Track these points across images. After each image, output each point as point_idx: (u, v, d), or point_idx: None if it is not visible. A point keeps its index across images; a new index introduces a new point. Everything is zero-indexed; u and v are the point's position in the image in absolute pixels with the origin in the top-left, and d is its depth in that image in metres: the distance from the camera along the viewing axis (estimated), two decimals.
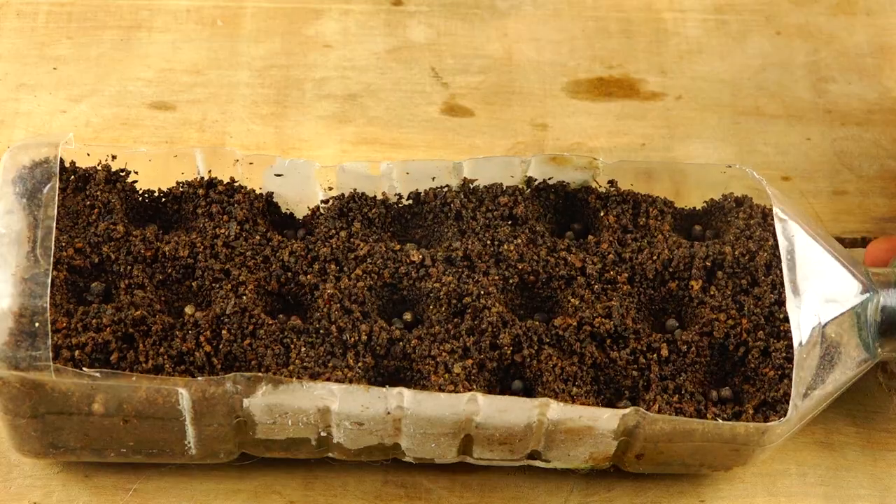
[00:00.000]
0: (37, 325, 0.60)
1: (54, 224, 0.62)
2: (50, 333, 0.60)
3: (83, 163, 0.66)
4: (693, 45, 0.83)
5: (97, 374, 0.60)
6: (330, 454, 0.64)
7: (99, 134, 0.77)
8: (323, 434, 0.63)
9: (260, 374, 0.61)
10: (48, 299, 0.60)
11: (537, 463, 0.65)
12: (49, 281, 0.61)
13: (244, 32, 0.82)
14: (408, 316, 0.64)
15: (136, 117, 0.78)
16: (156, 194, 0.67)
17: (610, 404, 0.63)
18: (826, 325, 0.63)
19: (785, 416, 0.62)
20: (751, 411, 0.62)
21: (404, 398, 0.61)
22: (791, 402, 0.62)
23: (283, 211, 0.67)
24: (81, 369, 0.60)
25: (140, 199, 0.66)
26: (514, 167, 0.67)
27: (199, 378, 0.60)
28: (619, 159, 0.68)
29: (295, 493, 0.66)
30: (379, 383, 0.63)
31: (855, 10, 0.85)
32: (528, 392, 0.63)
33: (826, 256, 0.65)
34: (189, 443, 0.63)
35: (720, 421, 0.62)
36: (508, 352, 0.63)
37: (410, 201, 0.67)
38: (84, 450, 0.63)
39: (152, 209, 0.67)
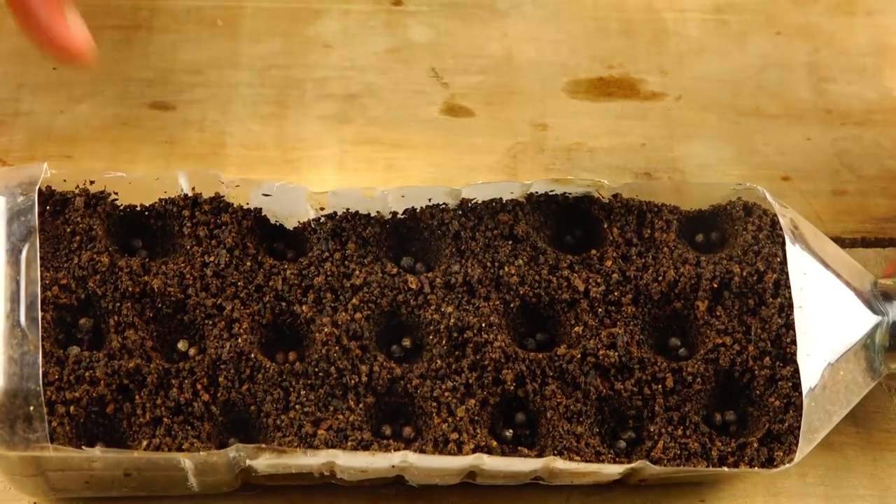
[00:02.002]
0: (32, 408, 0.58)
1: (38, 288, 0.59)
2: (45, 416, 0.58)
3: (59, 187, 0.64)
4: (693, 45, 0.83)
5: (97, 453, 0.59)
6: (332, 481, 0.64)
7: (99, 134, 0.77)
8: (326, 474, 0.63)
9: (263, 445, 0.60)
10: (41, 381, 0.58)
11: (541, 482, 0.65)
12: (40, 360, 0.58)
13: (244, 32, 0.82)
14: (407, 342, 0.63)
15: (136, 117, 0.78)
16: (138, 208, 0.65)
17: (613, 434, 0.63)
18: (835, 363, 0.63)
19: (790, 453, 0.62)
20: (755, 444, 0.62)
21: (408, 457, 0.60)
22: (798, 450, 0.62)
23: (273, 222, 0.65)
24: (81, 447, 0.59)
25: (121, 213, 0.64)
26: (514, 191, 0.66)
27: (202, 452, 0.59)
28: (624, 181, 0.67)
29: (296, 493, 0.65)
30: (381, 419, 0.62)
31: (855, 10, 0.85)
32: (531, 423, 0.63)
33: (837, 288, 0.64)
34: (191, 484, 0.62)
35: (725, 469, 0.62)
36: (512, 388, 0.62)
37: (406, 216, 0.65)
38: (86, 491, 0.63)
39: (135, 223, 0.65)
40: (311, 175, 0.76)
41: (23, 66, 0.80)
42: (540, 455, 0.61)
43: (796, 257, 0.64)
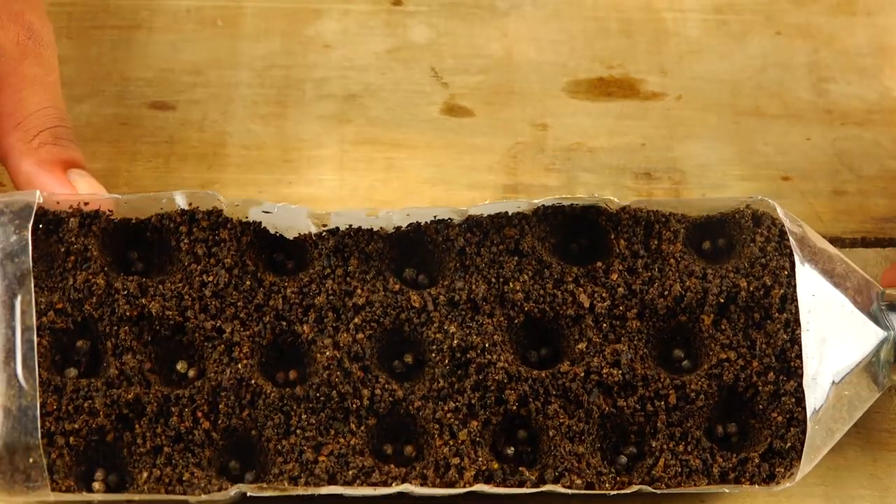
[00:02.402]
0: (31, 460, 0.58)
1: (35, 336, 0.59)
2: (46, 467, 0.58)
3: (53, 207, 0.63)
4: (693, 45, 0.83)
5: (97, 498, 0.59)
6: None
7: (99, 134, 0.77)
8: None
9: (265, 485, 0.59)
10: (40, 434, 0.58)
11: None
12: (38, 412, 0.58)
13: (244, 32, 0.82)
14: (409, 358, 0.63)
15: (136, 117, 0.78)
16: (133, 221, 0.64)
17: (615, 449, 0.63)
18: (839, 382, 0.63)
19: (791, 468, 0.62)
20: (756, 460, 0.62)
21: (409, 489, 0.60)
22: (800, 469, 0.62)
23: (273, 233, 0.64)
24: (82, 492, 0.59)
25: (116, 226, 0.63)
26: (521, 206, 0.65)
27: (203, 496, 0.59)
28: (626, 185, 0.66)
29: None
30: (382, 439, 0.62)
31: (855, 10, 0.85)
32: (533, 440, 0.62)
33: (845, 307, 0.64)
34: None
35: (726, 490, 0.62)
36: (514, 407, 0.62)
37: (410, 229, 0.65)
38: None
39: (131, 235, 0.64)
40: (311, 175, 0.76)
41: None
42: (541, 476, 0.61)
43: (806, 277, 0.63)
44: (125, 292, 0.61)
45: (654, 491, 0.61)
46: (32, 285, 0.59)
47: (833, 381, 0.63)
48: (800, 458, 0.62)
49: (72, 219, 0.62)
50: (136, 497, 0.59)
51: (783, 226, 0.65)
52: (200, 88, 0.79)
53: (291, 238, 0.64)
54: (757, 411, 0.63)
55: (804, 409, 0.62)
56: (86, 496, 0.59)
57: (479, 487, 0.60)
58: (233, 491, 0.59)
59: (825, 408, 0.62)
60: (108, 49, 0.80)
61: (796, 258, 0.63)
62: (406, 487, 0.60)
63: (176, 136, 0.77)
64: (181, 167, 0.76)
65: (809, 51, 0.83)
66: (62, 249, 0.62)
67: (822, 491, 0.67)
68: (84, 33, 0.81)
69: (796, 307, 0.63)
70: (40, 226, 0.62)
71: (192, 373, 0.61)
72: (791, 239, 0.64)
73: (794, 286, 0.63)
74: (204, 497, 0.59)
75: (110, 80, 0.79)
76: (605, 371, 0.62)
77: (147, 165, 0.76)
